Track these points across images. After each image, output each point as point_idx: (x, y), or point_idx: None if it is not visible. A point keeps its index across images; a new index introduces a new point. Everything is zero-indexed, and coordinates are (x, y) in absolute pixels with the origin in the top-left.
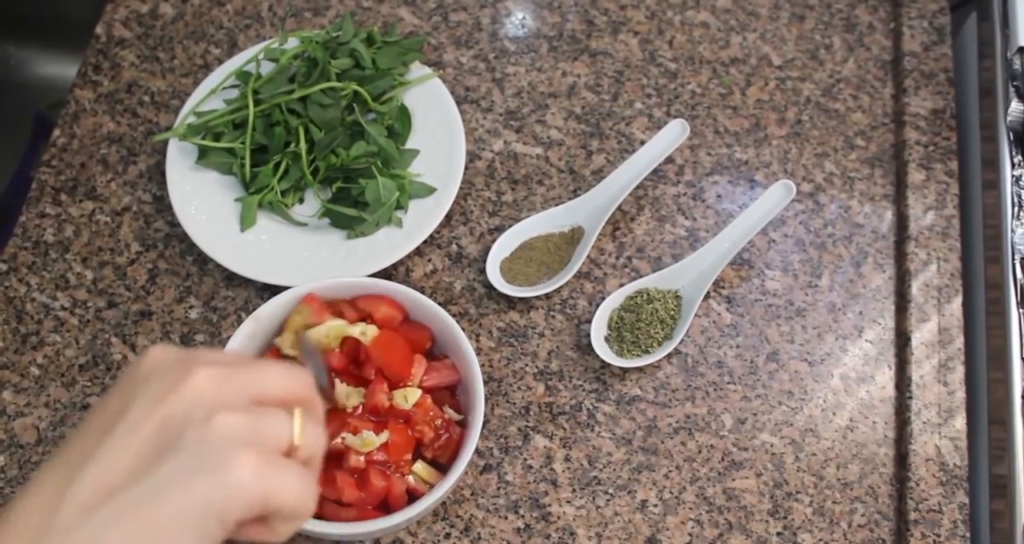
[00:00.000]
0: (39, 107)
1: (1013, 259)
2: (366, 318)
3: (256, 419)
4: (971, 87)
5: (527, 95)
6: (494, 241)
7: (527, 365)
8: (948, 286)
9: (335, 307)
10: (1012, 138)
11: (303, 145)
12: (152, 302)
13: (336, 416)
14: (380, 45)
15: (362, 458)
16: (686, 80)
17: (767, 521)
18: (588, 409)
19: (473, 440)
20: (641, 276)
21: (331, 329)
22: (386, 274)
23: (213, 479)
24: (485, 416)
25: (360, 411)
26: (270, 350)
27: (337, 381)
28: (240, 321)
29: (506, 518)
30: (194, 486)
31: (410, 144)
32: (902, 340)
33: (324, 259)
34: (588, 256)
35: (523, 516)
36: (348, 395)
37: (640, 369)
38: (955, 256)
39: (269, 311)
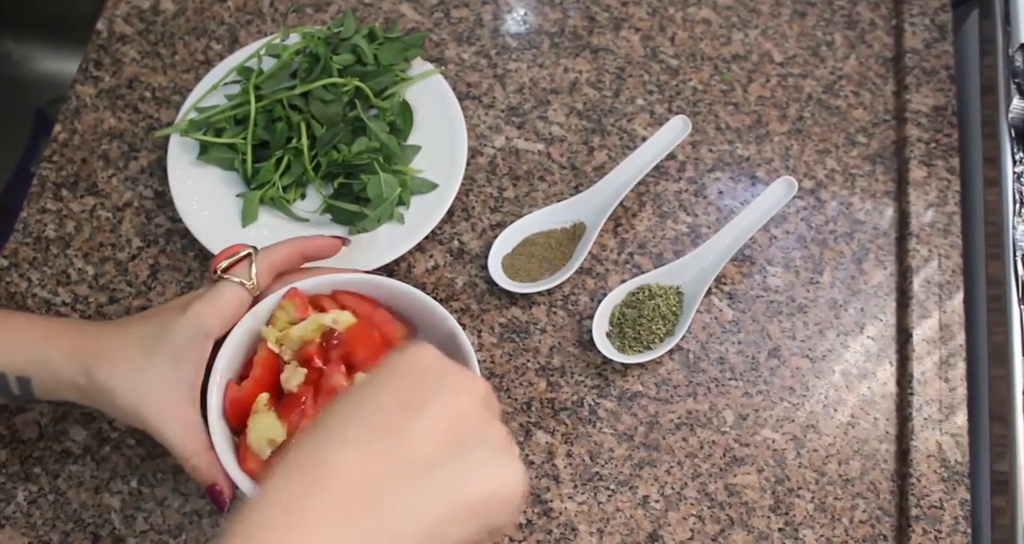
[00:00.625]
0: (40, 103)
1: (1014, 256)
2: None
3: (507, 432)
4: (973, 84)
5: (529, 91)
6: (496, 237)
7: (529, 361)
8: (949, 282)
9: (316, 302)
10: (1013, 135)
11: (305, 141)
12: (154, 298)
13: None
14: (382, 41)
15: None
16: (688, 77)
17: (768, 517)
18: (590, 405)
19: None
20: (643, 272)
21: (310, 323)
22: (388, 270)
23: (498, 475)
24: None
25: (310, 395)
26: (260, 342)
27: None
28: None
29: None
30: (486, 478)
31: (412, 140)
32: (903, 336)
33: None
34: (590, 252)
35: (525, 512)
36: (289, 378)
37: (642, 365)
38: (956, 253)
39: (267, 307)
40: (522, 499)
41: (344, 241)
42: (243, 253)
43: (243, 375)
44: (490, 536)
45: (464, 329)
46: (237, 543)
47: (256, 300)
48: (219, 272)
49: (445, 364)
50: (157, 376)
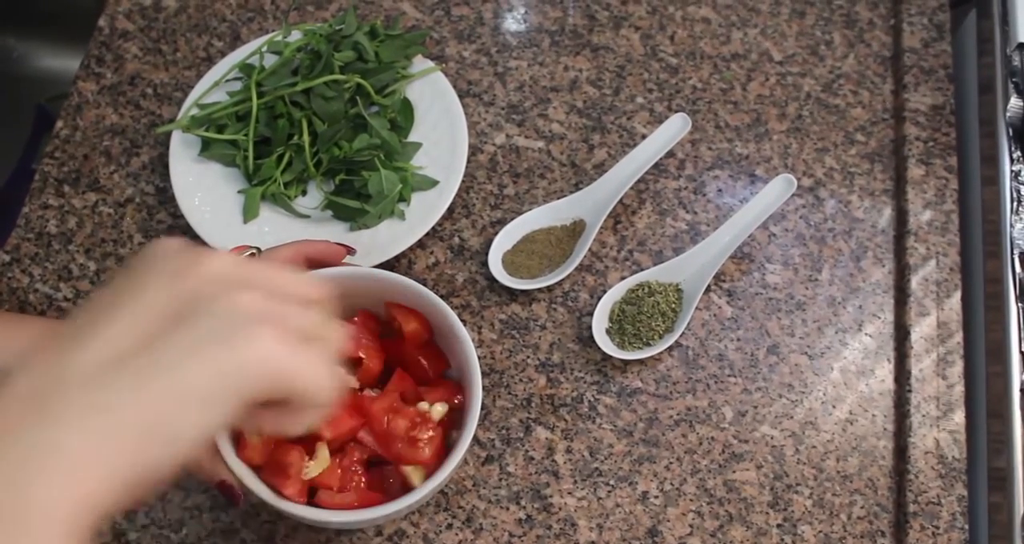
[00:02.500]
0: (40, 100)
1: (1012, 254)
2: (395, 323)
3: (275, 302)
4: (970, 83)
5: (529, 89)
6: (496, 234)
7: (529, 357)
8: (947, 281)
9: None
10: (1011, 134)
11: (306, 137)
12: None
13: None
14: (383, 38)
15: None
16: (687, 75)
17: (767, 513)
18: (589, 401)
19: (470, 430)
20: (642, 269)
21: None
22: (388, 266)
23: (230, 350)
24: (487, 408)
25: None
26: None
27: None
28: None
29: (508, 509)
30: (209, 356)
31: (412, 137)
32: (901, 334)
33: None
34: (589, 249)
35: (524, 507)
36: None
37: (641, 361)
38: (954, 251)
39: None
40: (270, 382)
41: (349, 250)
42: (246, 254)
43: None
44: (290, 420)
45: (464, 325)
46: None
47: None
48: None
49: (175, 246)
50: None
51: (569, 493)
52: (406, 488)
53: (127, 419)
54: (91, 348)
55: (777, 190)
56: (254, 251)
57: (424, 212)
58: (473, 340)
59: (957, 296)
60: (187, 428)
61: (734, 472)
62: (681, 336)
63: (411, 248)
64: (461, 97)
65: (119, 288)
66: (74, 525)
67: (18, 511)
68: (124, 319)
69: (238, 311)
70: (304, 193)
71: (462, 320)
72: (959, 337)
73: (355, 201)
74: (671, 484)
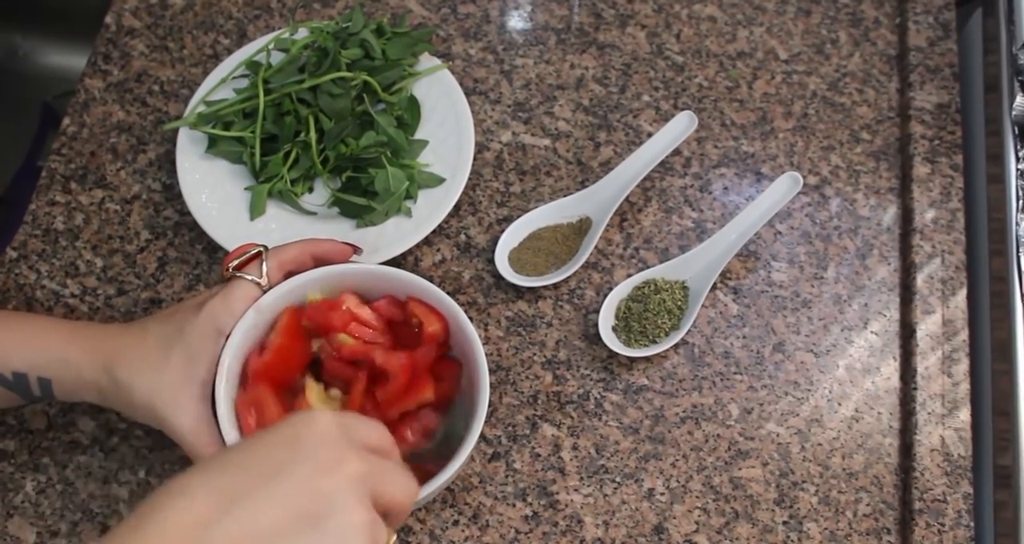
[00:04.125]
0: (46, 97)
1: (1017, 252)
2: (415, 320)
3: (375, 526)
4: (976, 82)
5: (535, 87)
6: (503, 231)
7: (535, 354)
8: (953, 279)
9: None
10: (1017, 132)
11: (313, 134)
12: (161, 290)
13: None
14: (390, 36)
15: None
16: (693, 73)
17: (773, 510)
18: (596, 398)
19: (478, 426)
20: (648, 267)
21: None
22: (395, 263)
23: None
24: (493, 405)
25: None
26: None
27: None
28: None
29: (514, 506)
30: None
31: (419, 134)
32: (907, 332)
33: None
34: (596, 247)
35: (531, 504)
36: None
37: (647, 359)
38: (960, 249)
39: (270, 302)
40: None
41: (356, 249)
42: (254, 252)
43: (248, 372)
44: None
45: (471, 322)
46: None
47: None
48: (231, 270)
49: (326, 437)
50: (172, 374)
51: (575, 490)
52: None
53: None
54: (236, 519)
55: (783, 188)
56: (261, 249)
57: (431, 209)
58: (480, 337)
59: (962, 294)
60: None
61: (740, 469)
62: (687, 334)
63: (418, 245)
64: (467, 95)
65: (276, 459)
66: None
67: None
68: (272, 498)
69: (350, 531)
70: (311, 190)
71: (468, 317)
72: (964, 335)
73: (362, 198)
74: (677, 481)
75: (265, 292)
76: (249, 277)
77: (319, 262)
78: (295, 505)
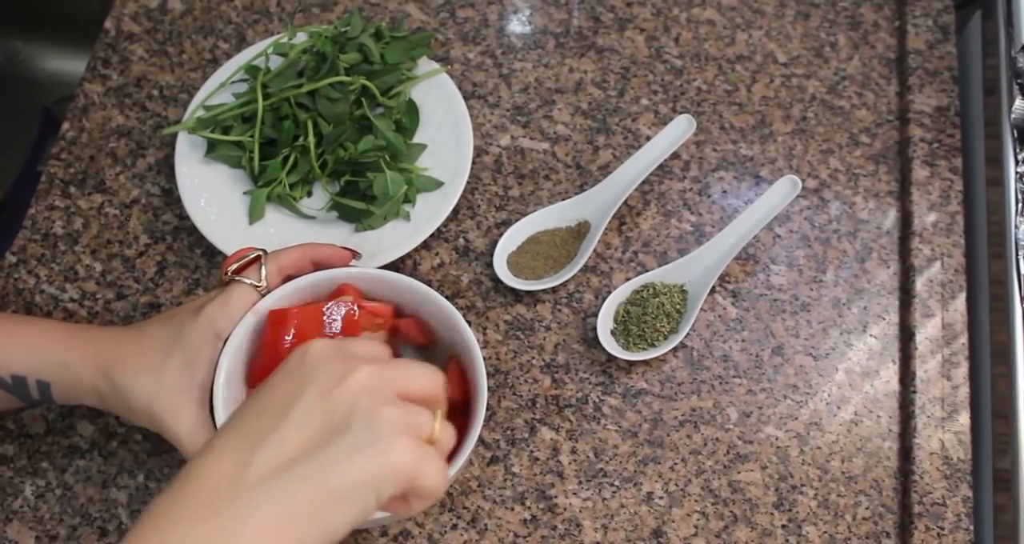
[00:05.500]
0: (46, 102)
1: (1017, 255)
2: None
3: (408, 412)
4: (975, 85)
5: (534, 91)
6: (501, 235)
7: (534, 358)
8: (952, 282)
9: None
10: (1016, 135)
11: (311, 139)
12: (161, 294)
13: None
14: (388, 40)
15: None
16: (692, 77)
17: (772, 513)
18: (594, 402)
19: (476, 430)
20: (647, 270)
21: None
22: (394, 267)
23: (377, 458)
24: (492, 408)
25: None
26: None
27: None
28: None
29: (513, 509)
30: (360, 462)
31: (418, 139)
32: (906, 335)
33: None
34: (594, 250)
35: (529, 507)
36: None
37: (646, 362)
38: (959, 252)
39: (269, 305)
40: (403, 484)
41: (355, 254)
42: (253, 255)
43: (248, 373)
44: (406, 508)
45: (469, 326)
46: None
47: None
48: (230, 274)
49: (323, 357)
50: (171, 377)
51: (574, 494)
52: None
53: (297, 510)
54: (265, 452)
55: (782, 191)
56: (260, 253)
57: (429, 213)
58: (478, 341)
59: (962, 297)
60: (341, 519)
61: (739, 473)
62: (686, 337)
63: (416, 249)
64: (466, 98)
65: (284, 393)
66: None
67: None
68: (291, 425)
69: (382, 423)
70: (309, 194)
71: (467, 321)
72: (964, 338)
73: (360, 202)
74: (676, 485)
75: (264, 296)
76: (248, 281)
77: (318, 266)
78: (316, 423)
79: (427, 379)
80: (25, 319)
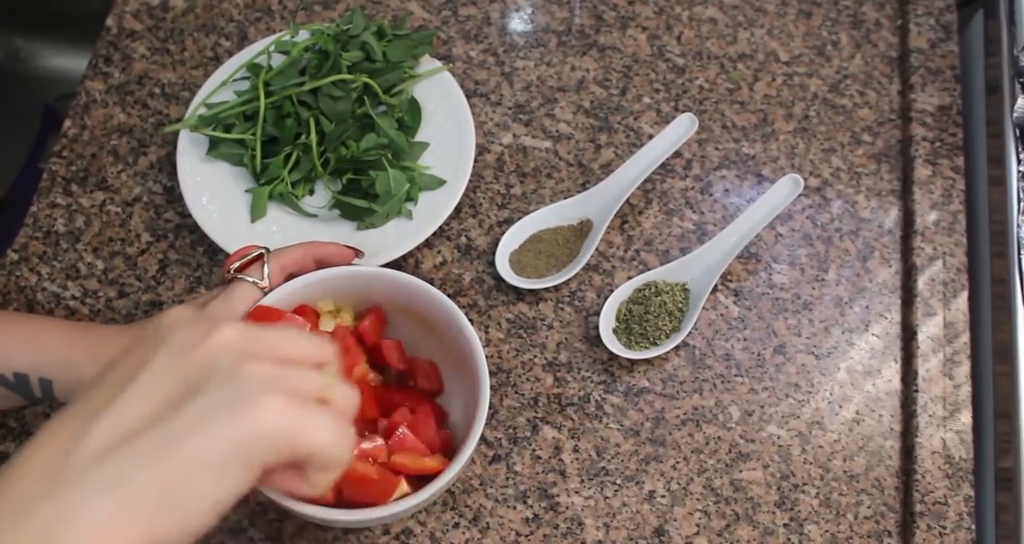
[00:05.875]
0: (48, 100)
1: (1019, 254)
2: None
3: (284, 370)
4: (977, 84)
5: (536, 89)
6: (503, 233)
7: (536, 356)
8: (954, 281)
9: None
10: (1018, 134)
11: (314, 137)
12: (162, 292)
13: None
14: (390, 38)
15: None
16: (694, 75)
17: (774, 512)
18: (596, 400)
19: (478, 429)
20: (649, 269)
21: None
22: (396, 265)
23: (235, 420)
24: (494, 407)
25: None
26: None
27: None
28: None
29: (515, 508)
30: (214, 427)
31: (420, 137)
32: (908, 334)
33: None
34: (596, 249)
35: (531, 506)
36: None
37: (648, 361)
38: (961, 251)
39: (271, 303)
40: (280, 448)
41: (358, 252)
42: (255, 253)
43: None
44: (303, 483)
45: (471, 325)
46: None
47: None
48: (232, 272)
49: (181, 320)
50: None
51: (576, 492)
52: (414, 487)
53: (139, 493)
54: (103, 426)
55: (784, 190)
56: (263, 251)
57: (431, 212)
58: (480, 339)
59: (964, 296)
60: (200, 498)
61: (741, 472)
62: (688, 336)
63: (418, 247)
64: (468, 97)
65: (131, 362)
66: None
67: None
68: (134, 395)
69: (246, 380)
70: (311, 192)
71: (469, 319)
72: (966, 337)
73: (362, 200)
74: (678, 483)
75: (266, 294)
76: (250, 279)
77: (320, 265)
78: (165, 390)
79: (312, 341)
80: (27, 317)
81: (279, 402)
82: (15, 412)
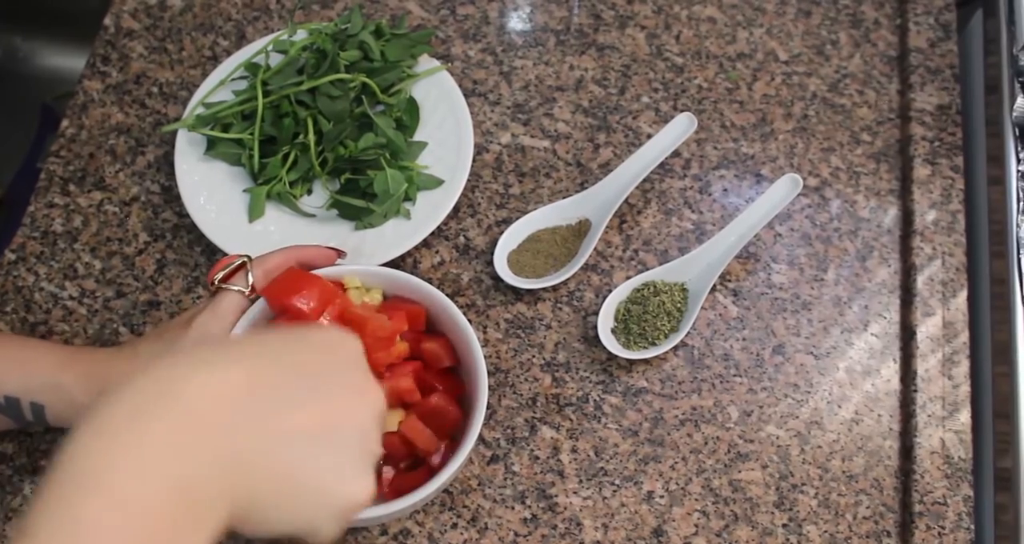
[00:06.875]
0: (45, 99)
1: (1018, 254)
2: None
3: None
4: (977, 83)
5: (535, 88)
6: (501, 233)
7: (534, 356)
8: (953, 281)
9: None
10: (1017, 134)
11: (312, 136)
12: (160, 292)
13: None
14: (389, 37)
15: None
16: (693, 75)
17: (773, 513)
18: (595, 401)
19: (476, 427)
20: (648, 269)
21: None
22: (394, 265)
23: (355, 487)
24: (492, 407)
25: None
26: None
27: None
28: None
29: (513, 508)
30: (351, 480)
31: (418, 136)
32: (907, 334)
33: None
34: (595, 249)
35: (530, 506)
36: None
37: (646, 361)
38: (960, 251)
39: (260, 310)
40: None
41: (340, 253)
42: (238, 262)
43: None
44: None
45: (470, 324)
46: (64, 461)
47: None
48: (216, 283)
49: (358, 361)
50: None
51: (574, 492)
52: (412, 487)
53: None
54: (260, 404)
55: (783, 190)
56: (245, 259)
57: (430, 211)
58: (479, 339)
59: (963, 296)
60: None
61: (739, 472)
62: (686, 336)
63: (416, 247)
64: (467, 96)
65: (303, 360)
66: None
67: None
68: (295, 396)
69: (367, 452)
70: (310, 192)
71: (467, 319)
72: (965, 337)
73: (361, 200)
74: (676, 484)
75: (253, 301)
76: (235, 288)
77: (304, 267)
78: (319, 412)
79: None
80: (18, 339)
81: (370, 484)
82: None
